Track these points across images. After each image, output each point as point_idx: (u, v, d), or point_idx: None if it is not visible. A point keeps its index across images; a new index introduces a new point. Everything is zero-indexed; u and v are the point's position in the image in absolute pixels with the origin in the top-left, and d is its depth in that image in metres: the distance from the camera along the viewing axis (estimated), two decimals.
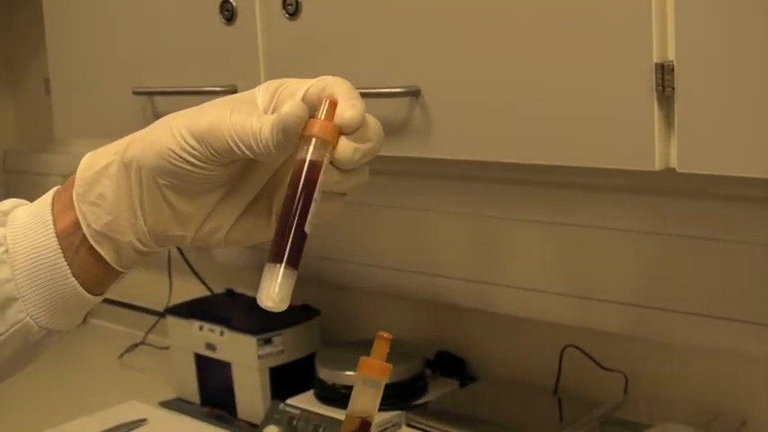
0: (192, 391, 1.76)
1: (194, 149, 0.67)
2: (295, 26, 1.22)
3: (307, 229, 0.63)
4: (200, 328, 1.70)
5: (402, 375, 1.51)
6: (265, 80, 1.25)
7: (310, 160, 0.64)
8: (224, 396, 1.68)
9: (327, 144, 0.65)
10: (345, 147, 0.65)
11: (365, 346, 1.62)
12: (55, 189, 0.73)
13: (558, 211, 1.43)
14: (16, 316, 0.70)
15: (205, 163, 0.67)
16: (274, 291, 0.62)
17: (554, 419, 1.46)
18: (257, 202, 0.72)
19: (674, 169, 0.94)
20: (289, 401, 1.50)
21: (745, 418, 1.32)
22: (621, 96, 0.95)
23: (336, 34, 1.19)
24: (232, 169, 0.69)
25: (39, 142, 2.40)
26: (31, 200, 0.74)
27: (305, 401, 1.49)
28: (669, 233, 1.32)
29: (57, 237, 0.70)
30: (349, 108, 0.65)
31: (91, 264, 0.71)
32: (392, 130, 1.13)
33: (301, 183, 0.64)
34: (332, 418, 1.43)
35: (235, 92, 1.30)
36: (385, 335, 0.68)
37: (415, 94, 1.10)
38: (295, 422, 1.45)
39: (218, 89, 1.31)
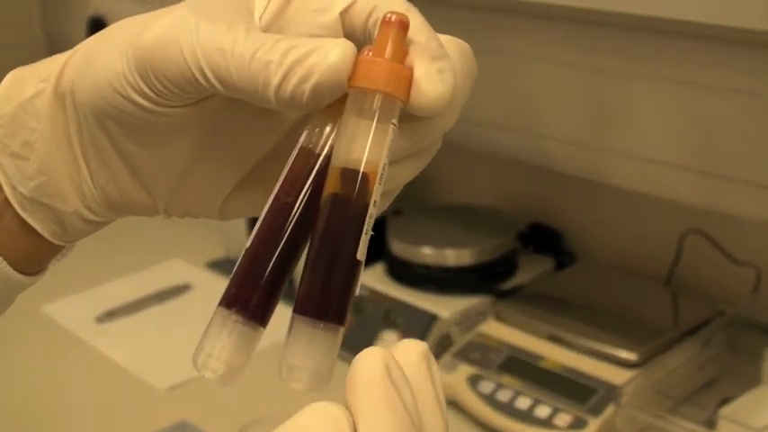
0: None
1: (137, 81, 0.42)
2: None
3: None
4: None
5: (489, 254, 1.29)
6: None
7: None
8: None
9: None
10: (427, 77, 0.40)
11: (446, 213, 1.39)
12: None
13: (692, 68, 1.22)
14: None
15: (154, 103, 0.42)
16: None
17: (667, 318, 1.23)
18: (269, 162, 0.47)
19: None
20: None
21: None
22: None
23: None
24: (211, 109, 0.44)
25: None
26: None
27: (374, 278, 1.28)
28: None
29: None
30: (435, 77, 0.40)
31: (20, 234, 0.48)
32: None
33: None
34: (406, 304, 1.23)
35: None
36: (394, 17, 0.40)
37: None
38: (363, 305, 1.24)
39: None
